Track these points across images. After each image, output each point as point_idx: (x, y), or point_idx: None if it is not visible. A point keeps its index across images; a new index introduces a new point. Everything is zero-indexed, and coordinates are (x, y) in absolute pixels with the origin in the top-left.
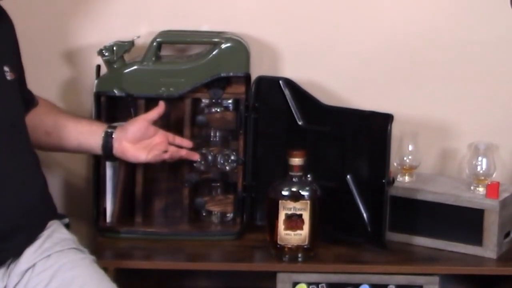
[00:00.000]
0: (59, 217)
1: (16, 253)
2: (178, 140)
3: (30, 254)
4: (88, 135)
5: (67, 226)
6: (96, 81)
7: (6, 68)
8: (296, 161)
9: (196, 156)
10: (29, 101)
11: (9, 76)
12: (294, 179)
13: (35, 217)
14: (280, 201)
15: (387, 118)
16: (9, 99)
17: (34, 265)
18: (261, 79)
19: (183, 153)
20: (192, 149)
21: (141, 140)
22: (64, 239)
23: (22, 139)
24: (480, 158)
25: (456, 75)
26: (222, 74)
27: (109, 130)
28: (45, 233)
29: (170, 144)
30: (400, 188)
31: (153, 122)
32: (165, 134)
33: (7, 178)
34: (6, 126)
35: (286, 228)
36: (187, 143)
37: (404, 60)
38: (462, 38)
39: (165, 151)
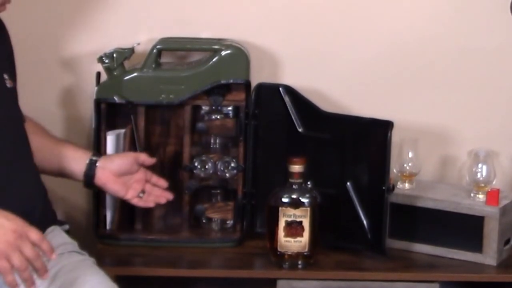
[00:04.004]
0: (59, 223)
1: None
2: (155, 179)
3: None
4: (72, 160)
5: (68, 232)
6: (96, 88)
7: (5, 76)
8: (296, 168)
9: (171, 196)
10: None
11: (8, 83)
12: (294, 186)
13: (34, 221)
14: (280, 208)
15: (387, 125)
16: (9, 107)
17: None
18: (261, 86)
19: (163, 200)
20: (166, 189)
21: (123, 175)
22: (64, 243)
23: (23, 146)
24: (480, 165)
25: (456, 82)
26: (222, 81)
27: (94, 158)
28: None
29: (147, 181)
30: (400, 195)
31: (139, 162)
32: (144, 172)
33: (7, 183)
34: (7, 133)
35: (286, 235)
36: (162, 182)
37: (404, 67)
38: (462, 45)
39: (143, 191)
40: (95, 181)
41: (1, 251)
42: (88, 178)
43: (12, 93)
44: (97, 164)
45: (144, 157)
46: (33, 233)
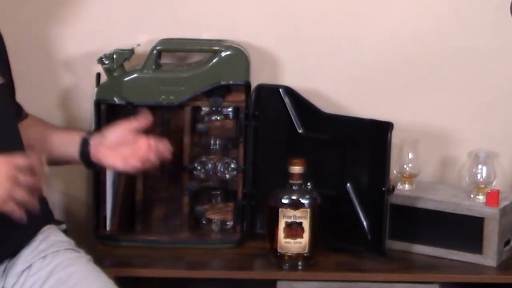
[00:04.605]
0: (56, 222)
1: (11, 253)
2: (156, 143)
3: (26, 255)
4: (67, 144)
5: (65, 232)
6: (96, 89)
7: None
8: (296, 169)
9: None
10: (16, 113)
11: None
12: (294, 187)
13: (30, 219)
14: (280, 209)
15: (387, 126)
16: None
17: (30, 265)
18: (261, 87)
19: (168, 155)
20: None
21: (119, 147)
22: (60, 241)
23: (15, 143)
24: (480, 166)
25: (456, 83)
26: (222, 82)
27: (86, 137)
28: (40, 236)
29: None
30: (400, 196)
31: (134, 130)
32: (146, 140)
33: None
34: None
35: (286, 236)
36: (164, 143)
37: (404, 68)
38: (462, 46)
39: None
40: (91, 159)
41: (4, 196)
42: (84, 157)
43: (3, 90)
44: (90, 142)
45: (136, 123)
46: (19, 160)
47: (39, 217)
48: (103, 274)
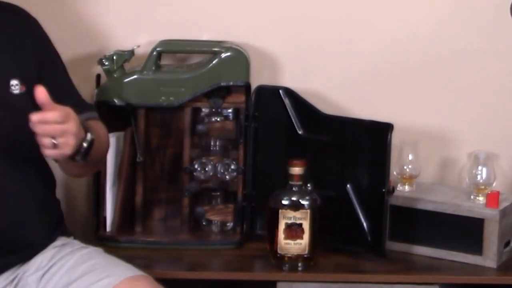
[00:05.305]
0: (67, 235)
1: (25, 259)
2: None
3: (41, 262)
4: None
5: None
6: (96, 91)
7: (14, 82)
8: (296, 170)
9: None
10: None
11: (17, 89)
12: (294, 189)
13: (42, 232)
14: (280, 211)
15: (387, 128)
16: (14, 113)
17: (49, 268)
18: (261, 89)
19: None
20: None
21: None
22: (71, 244)
23: (35, 155)
24: (480, 168)
25: (456, 85)
26: (222, 84)
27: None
28: (52, 244)
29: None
30: (400, 197)
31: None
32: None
33: (16, 193)
34: (13, 143)
35: (286, 238)
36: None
37: (404, 70)
38: (462, 48)
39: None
40: None
41: None
42: None
43: (22, 99)
44: None
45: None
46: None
47: (56, 228)
48: (120, 260)
